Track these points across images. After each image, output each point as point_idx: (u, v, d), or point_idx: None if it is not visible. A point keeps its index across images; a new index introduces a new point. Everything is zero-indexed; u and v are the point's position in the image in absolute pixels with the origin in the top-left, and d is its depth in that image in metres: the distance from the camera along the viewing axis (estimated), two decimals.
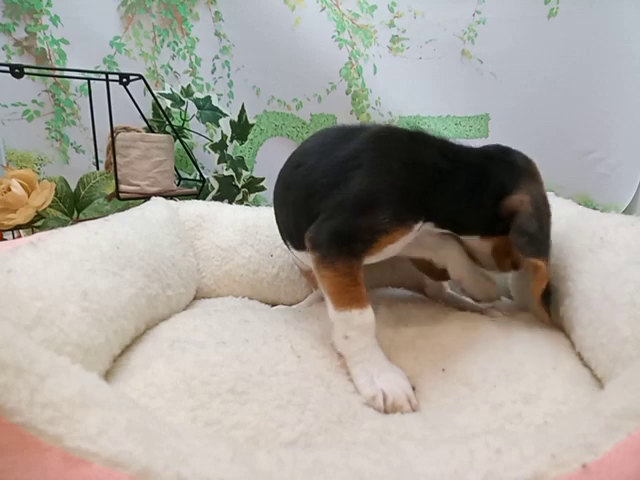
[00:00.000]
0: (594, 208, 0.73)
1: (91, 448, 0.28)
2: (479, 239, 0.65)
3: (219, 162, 1.22)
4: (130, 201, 1.14)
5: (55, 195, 0.99)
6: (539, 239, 0.60)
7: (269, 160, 1.39)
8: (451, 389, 0.53)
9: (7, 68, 0.97)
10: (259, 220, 0.94)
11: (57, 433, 0.28)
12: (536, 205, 0.60)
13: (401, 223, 0.59)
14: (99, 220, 0.69)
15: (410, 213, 0.60)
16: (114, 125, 1.07)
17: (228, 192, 1.23)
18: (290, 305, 0.88)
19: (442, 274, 0.73)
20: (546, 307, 0.62)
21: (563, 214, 0.75)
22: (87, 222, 0.68)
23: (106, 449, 0.28)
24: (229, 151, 1.23)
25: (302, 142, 0.77)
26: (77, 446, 0.28)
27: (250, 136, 1.29)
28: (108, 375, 0.53)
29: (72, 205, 1.03)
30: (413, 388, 0.54)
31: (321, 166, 0.63)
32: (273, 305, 0.89)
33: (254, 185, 1.27)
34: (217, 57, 1.34)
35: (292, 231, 0.70)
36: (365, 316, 0.56)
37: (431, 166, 0.60)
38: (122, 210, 0.80)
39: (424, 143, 0.63)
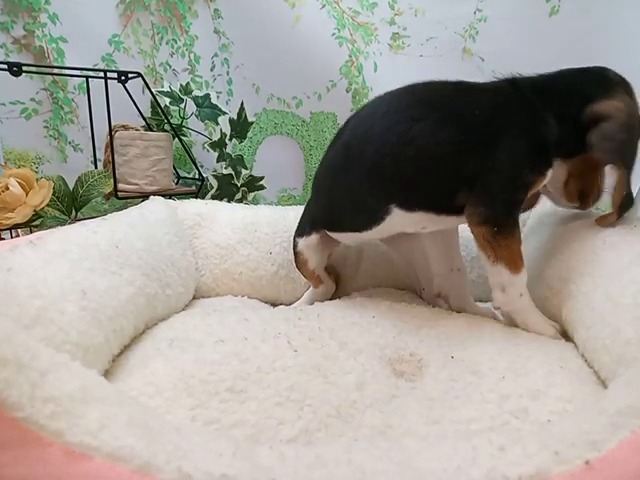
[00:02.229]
0: (596, 208, 0.73)
1: (92, 443, 0.28)
2: (559, 162, 0.65)
3: (218, 161, 1.22)
4: (128, 200, 1.14)
5: (53, 194, 0.98)
6: (626, 150, 0.61)
7: (268, 159, 1.39)
8: (460, 375, 0.53)
9: (5, 66, 0.96)
10: (258, 218, 0.93)
11: (58, 428, 0.28)
12: (630, 116, 0.60)
13: (540, 173, 0.63)
14: (98, 219, 0.69)
15: (543, 162, 0.64)
16: (112, 123, 1.07)
17: (227, 191, 1.22)
18: (290, 303, 0.87)
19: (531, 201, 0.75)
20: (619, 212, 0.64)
21: (564, 216, 0.75)
22: (86, 221, 0.68)
23: (107, 444, 0.28)
24: (228, 149, 1.23)
25: (378, 102, 0.72)
26: (79, 441, 0.28)
27: (249, 134, 1.29)
28: (107, 375, 0.53)
29: (70, 204, 1.02)
30: None
31: (452, 122, 0.64)
32: (273, 304, 0.89)
33: (253, 184, 1.27)
34: (216, 55, 1.34)
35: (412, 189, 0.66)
36: (525, 272, 0.63)
37: (536, 111, 0.63)
38: (120, 209, 0.79)
39: (524, 90, 0.65)
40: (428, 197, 0.66)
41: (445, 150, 0.63)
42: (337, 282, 0.88)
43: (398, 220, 0.68)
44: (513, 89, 0.65)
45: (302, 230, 0.81)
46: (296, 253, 0.82)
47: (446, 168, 0.64)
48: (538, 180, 0.63)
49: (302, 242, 0.80)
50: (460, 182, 0.63)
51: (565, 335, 0.62)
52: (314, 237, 0.79)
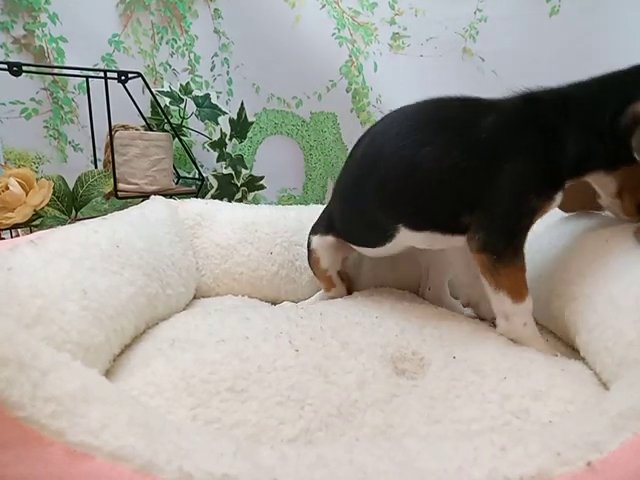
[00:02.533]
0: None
1: (94, 442, 0.28)
2: (603, 175, 0.60)
3: (218, 160, 1.22)
4: (128, 200, 1.14)
5: (53, 194, 0.98)
6: None
7: (268, 158, 1.39)
8: (462, 375, 0.53)
9: (5, 66, 0.96)
10: (258, 218, 0.93)
11: (59, 427, 0.28)
12: None
13: (548, 198, 0.60)
14: (98, 219, 0.69)
15: (552, 185, 0.61)
16: (112, 123, 1.07)
17: (227, 191, 1.22)
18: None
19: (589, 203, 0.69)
20: None
21: (566, 218, 0.75)
22: (86, 221, 0.67)
23: (109, 443, 0.28)
24: (228, 149, 1.23)
25: (392, 119, 0.71)
26: (80, 440, 0.28)
27: (249, 134, 1.28)
28: (108, 374, 0.53)
29: (70, 204, 1.02)
30: None
31: (458, 146, 0.62)
32: (273, 304, 0.89)
33: (253, 184, 1.27)
34: (216, 55, 1.34)
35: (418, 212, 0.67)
36: (530, 300, 0.60)
37: (552, 129, 0.59)
38: (120, 209, 0.79)
39: (541, 106, 0.61)
40: (433, 219, 0.66)
41: (449, 175, 0.62)
42: (349, 289, 0.87)
43: (406, 238, 0.68)
44: (527, 106, 0.62)
45: (318, 229, 0.82)
46: (310, 250, 0.82)
47: (450, 193, 0.63)
48: (545, 205, 0.60)
49: (316, 240, 0.81)
50: (464, 206, 0.62)
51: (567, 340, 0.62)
52: (330, 238, 0.80)
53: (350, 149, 0.80)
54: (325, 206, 0.86)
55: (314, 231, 0.82)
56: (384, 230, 0.69)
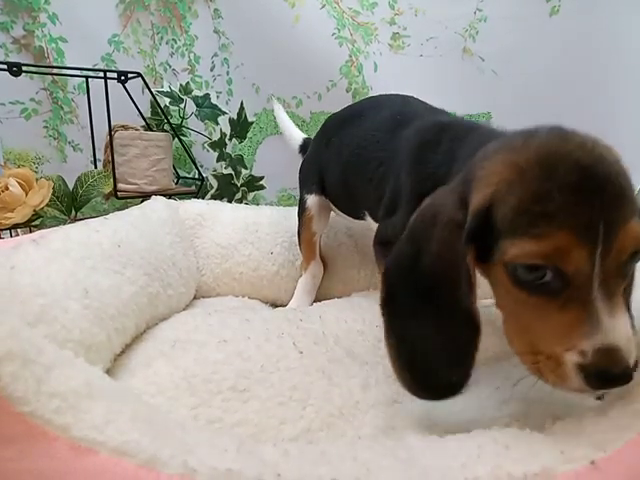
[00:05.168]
0: None
1: (98, 437, 0.28)
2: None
3: (218, 160, 1.22)
4: (128, 200, 1.14)
5: (53, 194, 0.98)
6: None
7: (268, 158, 1.39)
8: None
9: (5, 66, 0.96)
10: (259, 218, 0.93)
11: (64, 423, 0.28)
12: None
13: None
14: (100, 218, 0.69)
15: None
16: (112, 123, 1.07)
17: (227, 191, 1.22)
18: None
19: None
20: None
21: None
22: (88, 220, 0.67)
23: (113, 438, 0.28)
24: (228, 149, 1.23)
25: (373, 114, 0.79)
26: (84, 435, 0.28)
27: (249, 134, 1.28)
28: (109, 374, 0.53)
29: (70, 204, 1.02)
30: None
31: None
32: (273, 304, 0.89)
33: (253, 184, 1.27)
34: (216, 55, 1.34)
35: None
36: None
37: None
38: (120, 209, 0.79)
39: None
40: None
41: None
42: (325, 265, 0.89)
43: (370, 222, 0.76)
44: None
45: (311, 187, 0.84)
46: (304, 210, 0.84)
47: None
48: None
49: (311, 199, 0.84)
50: None
51: None
52: (322, 198, 0.84)
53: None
54: (309, 155, 0.88)
55: (308, 190, 0.84)
56: (360, 211, 0.78)
